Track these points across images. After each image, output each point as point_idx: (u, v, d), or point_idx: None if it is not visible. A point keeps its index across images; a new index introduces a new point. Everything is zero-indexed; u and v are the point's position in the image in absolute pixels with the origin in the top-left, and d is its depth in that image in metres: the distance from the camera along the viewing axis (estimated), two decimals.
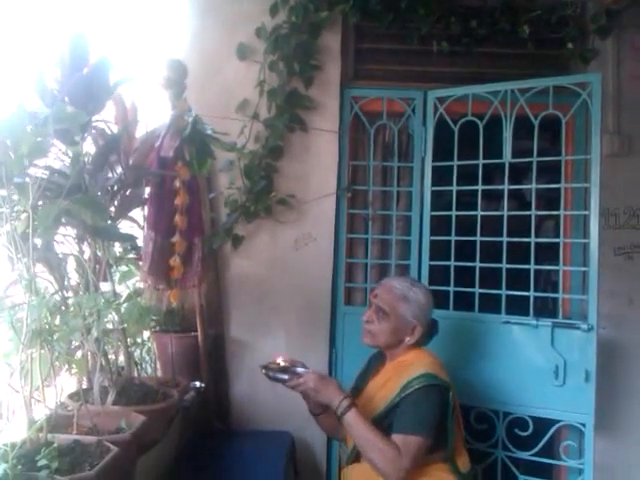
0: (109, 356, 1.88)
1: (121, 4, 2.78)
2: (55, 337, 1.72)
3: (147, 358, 2.45)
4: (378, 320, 2.04)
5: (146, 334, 2.44)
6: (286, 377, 1.99)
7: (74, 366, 1.83)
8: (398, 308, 2.03)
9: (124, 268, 2.38)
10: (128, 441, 1.52)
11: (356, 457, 2.04)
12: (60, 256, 1.89)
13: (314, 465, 2.77)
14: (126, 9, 2.76)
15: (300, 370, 2.06)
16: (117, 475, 1.42)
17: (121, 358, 2.08)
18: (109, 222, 2.05)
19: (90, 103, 1.83)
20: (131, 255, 2.15)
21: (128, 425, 1.63)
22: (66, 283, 1.90)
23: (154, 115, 2.26)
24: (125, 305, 1.98)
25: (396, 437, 1.83)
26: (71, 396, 1.84)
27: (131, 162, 2.13)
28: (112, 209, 2.08)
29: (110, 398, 1.79)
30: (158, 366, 2.60)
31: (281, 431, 2.55)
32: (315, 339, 2.79)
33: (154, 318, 2.53)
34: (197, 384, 2.49)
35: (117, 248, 2.18)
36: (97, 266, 1.96)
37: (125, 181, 2.04)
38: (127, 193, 2.11)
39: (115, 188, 1.99)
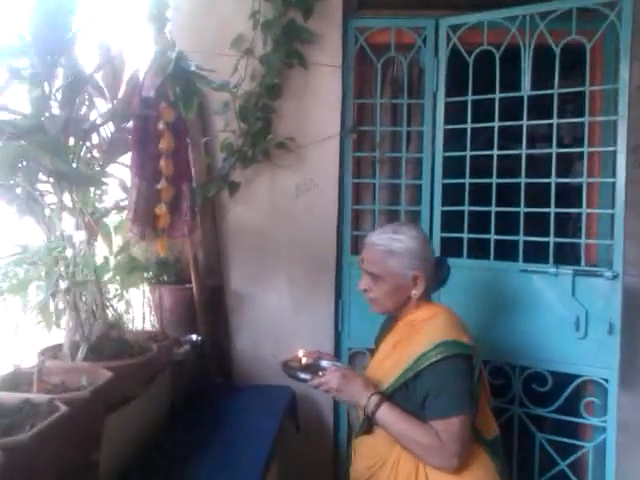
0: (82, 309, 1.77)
1: None
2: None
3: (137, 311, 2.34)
4: (375, 285, 1.83)
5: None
6: (307, 377, 1.84)
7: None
8: (388, 265, 1.80)
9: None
10: (87, 400, 1.40)
11: (367, 428, 1.87)
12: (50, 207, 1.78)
13: (320, 422, 2.64)
14: None
15: (324, 364, 1.94)
16: (67, 436, 1.30)
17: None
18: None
19: (52, 41, 1.68)
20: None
21: (92, 382, 1.52)
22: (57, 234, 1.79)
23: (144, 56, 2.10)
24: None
25: (435, 424, 1.65)
26: (44, 351, 1.75)
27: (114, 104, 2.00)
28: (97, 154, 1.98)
29: (80, 354, 1.68)
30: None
31: (282, 386, 2.43)
32: (320, 290, 2.63)
33: (146, 270, 2.42)
34: (193, 337, 2.38)
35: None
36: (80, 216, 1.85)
37: (99, 123, 1.90)
38: (109, 136, 2.00)
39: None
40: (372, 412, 1.71)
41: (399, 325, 1.89)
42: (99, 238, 2.15)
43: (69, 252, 1.76)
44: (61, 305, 1.72)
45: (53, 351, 1.74)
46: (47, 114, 1.66)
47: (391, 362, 1.82)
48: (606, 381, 2.30)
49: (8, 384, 1.52)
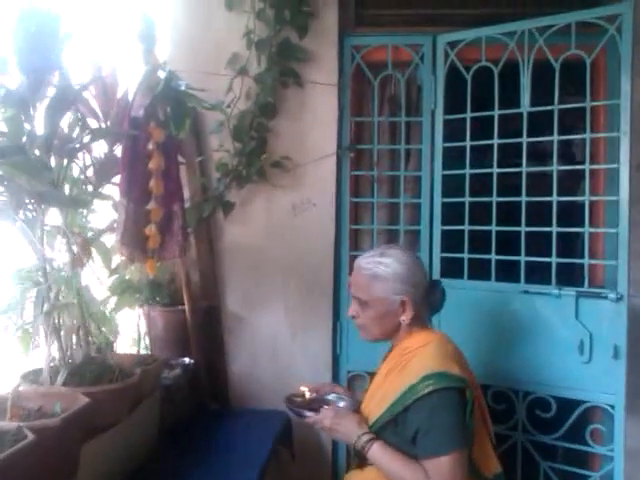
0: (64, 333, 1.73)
1: None
2: None
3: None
4: (363, 311, 1.77)
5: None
6: (305, 413, 1.80)
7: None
8: (373, 290, 1.73)
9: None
10: (57, 427, 1.35)
11: (359, 463, 1.78)
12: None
13: (318, 449, 2.57)
14: None
15: (331, 397, 1.93)
16: (36, 465, 1.26)
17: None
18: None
19: (35, 60, 1.67)
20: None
21: (68, 408, 1.47)
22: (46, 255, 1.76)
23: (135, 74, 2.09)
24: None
25: (425, 464, 1.57)
26: (25, 376, 1.71)
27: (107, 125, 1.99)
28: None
29: (60, 378, 1.64)
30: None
31: (276, 411, 2.36)
32: (317, 312, 2.57)
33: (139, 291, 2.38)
34: (185, 360, 2.32)
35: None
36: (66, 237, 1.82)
37: (86, 143, 1.88)
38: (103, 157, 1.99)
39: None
40: (362, 451, 1.66)
41: (393, 353, 1.82)
42: (97, 258, 2.16)
43: (52, 274, 1.74)
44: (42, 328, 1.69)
45: (35, 375, 1.71)
46: (26, 134, 1.64)
47: (382, 393, 1.75)
48: (612, 407, 2.20)
49: None
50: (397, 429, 1.66)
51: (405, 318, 1.73)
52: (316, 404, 1.86)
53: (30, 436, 1.26)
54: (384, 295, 1.72)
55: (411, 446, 1.62)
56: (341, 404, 1.90)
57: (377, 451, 1.64)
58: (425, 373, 1.61)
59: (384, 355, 1.92)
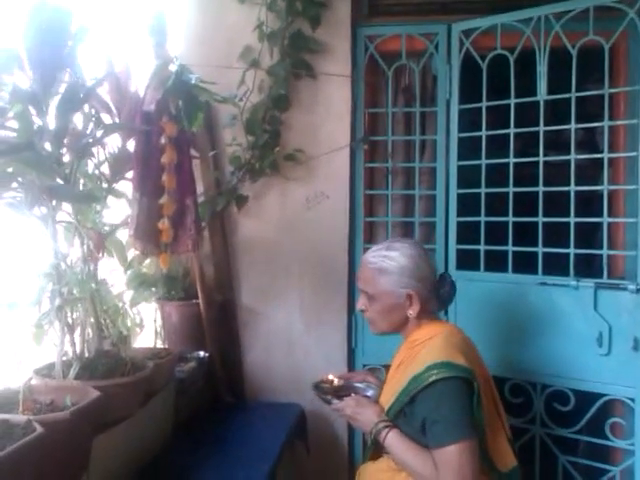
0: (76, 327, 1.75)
1: None
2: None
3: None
4: (370, 305, 1.77)
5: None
6: (330, 399, 1.82)
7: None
8: (379, 284, 1.73)
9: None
10: (67, 420, 1.36)
11: (373, 455, 1.79)
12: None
13: (333, 442, 2.56)
14: None
15: (358, 386, 1.94)
16: (45, 458, 1.27)
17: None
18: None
19: (47, 56, 1.67)
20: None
21: (79, 402, 1.48)
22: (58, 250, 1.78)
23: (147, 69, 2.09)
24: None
25: (433, 454, 1.56)
26: (38, 370, 1.73)
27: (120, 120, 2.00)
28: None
29: (72, 372, 1.66)
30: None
31: (291, 403, 2.36)
32: (333, 305, 2.56)
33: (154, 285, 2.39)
34: (200, 354, 2.33)
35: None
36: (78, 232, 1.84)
37: (99, 138, 1.89)
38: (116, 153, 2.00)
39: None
40: (379, 439, 1.67)
41: (404, 346, 1.81)
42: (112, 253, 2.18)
43: (64, 269, 1.75)
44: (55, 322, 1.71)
45: (48, 369, 1.72)
46: (37, 130, 1.65)
47: (392, 384, 1.76)
48: (632, 400, 2.15)
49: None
50: (407, 419, 1.65)
51: (412, 312, 1.73)
52: (344, 391, 1.87)
53: (39, 429, 1.27)
54: (390, 289, 1.72)
55: (421, 436, 1.61)
56: (369, 393, 1.90)
57: (393, 439, 1.65)
58: (430, 363, 1.61)
59: (397, 348, 1.90)
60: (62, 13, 1.67)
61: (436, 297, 1.79)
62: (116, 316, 1.98)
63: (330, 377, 1.97)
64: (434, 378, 1.57)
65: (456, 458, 1.51)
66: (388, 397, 1.74)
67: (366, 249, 2.55)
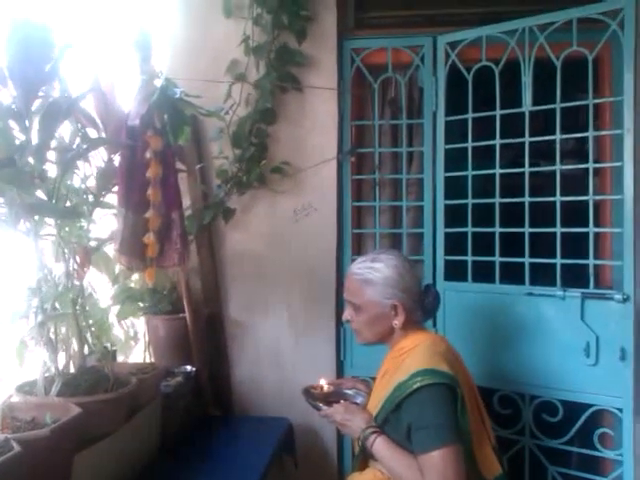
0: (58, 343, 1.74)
1: None
2: None
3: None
4: (356, 316, 1.80)
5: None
6: (319, 406, 1.85)
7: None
8: (365, 295, 1.76)
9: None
10: (46, 438, 1.35)
11: (360, 465, 1.81)
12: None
13: (322, 456, 2.54)
14: None
15: (348, 392, 1.96)
16: (24, 476, 1.26)
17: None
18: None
19: (29, 72, 1.67)
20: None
21: (59, 419, 1.47)
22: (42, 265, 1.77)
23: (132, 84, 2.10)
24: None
25: (419, 459, 1.58)
26: (20, 387, 1.71)
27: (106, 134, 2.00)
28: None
29: (54, 388, 1.65)
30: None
31: (278, 417, 2.35)
32: (321, 317, 2.56)
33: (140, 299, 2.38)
34: (187, 368, 2.32)
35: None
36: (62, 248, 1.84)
37: (83, 152, 1.89)
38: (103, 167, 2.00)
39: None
40: (363, 444, 1.69)
41: (390, 355, 1.83)
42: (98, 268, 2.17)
43: (47, 285, 1.75)
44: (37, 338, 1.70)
45: (30, 386, 1.71)
46: (18, 145, 1.65)
47: (378, 392, 1.78)
48: (620, 411, 2.15)
49: None
50: (392, 426, 1.68)
51: (397, 322, 1.76)
52: (333, 398, 1.90)
53: (16, 448, 1.26)
54: (375, 299, 1.75)
55: (407, 442, 1.63)
56: (358, 400, 1.92)
57: (380, 445, 1.66)
58: (414, 370, 1.64)
59: (384, 357, 1.91)
60: (44, 29, 1.67)
61: (421, 307, 1.81)
62: (101, 331, 1.97)
63: (321, 383, 1.98)
64: (418, 385, 1.60)
65: (440, 463, 1.53)
66: (374, 405, 1.76)
67: (354, 261, 2.57)
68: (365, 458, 1.79)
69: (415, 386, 1.60)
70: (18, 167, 1.60)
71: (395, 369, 1.73)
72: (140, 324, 2.44)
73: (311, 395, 1.92)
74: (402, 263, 1.77)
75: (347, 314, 1.84)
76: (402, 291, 1.74)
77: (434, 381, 1.60)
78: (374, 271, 1.75)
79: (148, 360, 2.44)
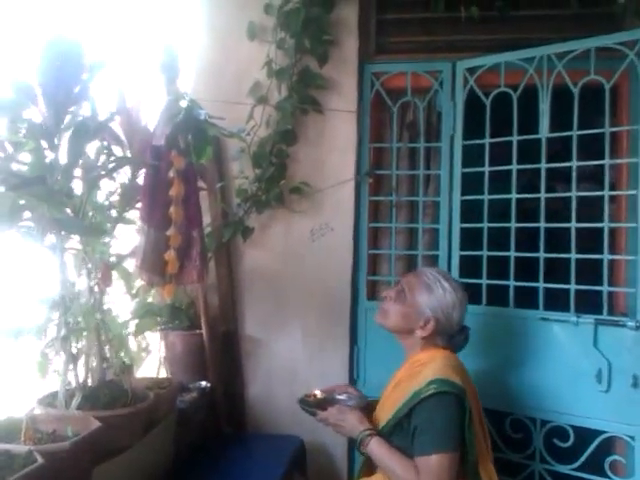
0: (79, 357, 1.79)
1: None
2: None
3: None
4: (395, 300, 1.92)
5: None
6: (315, 411, 1.94)
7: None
8: (417, 295, 1.88)
9: None
10: (67, 451, 1.40)
11: (367, 471, 1.91)
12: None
13: (333, 475, 2.57)
14: None
15: (340, 397, 2.02)
16: None
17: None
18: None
19: (60, 92, 1.73)
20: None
21: (80, 432, 1.51)
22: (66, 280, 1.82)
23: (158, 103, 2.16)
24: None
25: (417, 460, 1.70)
26: (41, 400, 1.76)
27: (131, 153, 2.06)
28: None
29: (75, 402, 1.69)
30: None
31: (291, 435, 2.38)
32: (335, 336, 2.59)
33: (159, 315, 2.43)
34: (202, 384, 2.36)
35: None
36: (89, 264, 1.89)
37: (109, 171, 1.95)
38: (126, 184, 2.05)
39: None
40: (360, 445, 1.79)
41: (405, 365, 1.93)
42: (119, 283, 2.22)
43: (70, 300, 1.80)
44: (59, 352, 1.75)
45: (51, 399, 1.76)
46: (49, 164, 1.71)
47: (391, 400, 1.85)
48: (632, 439, 2.15)
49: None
50: (402, 433, 1.77)
51: (420, 332, 1.87)
52: (327, 403, 1.96)
53: (39, 460, 1.31)
54: (421, 304, 1.87)
55: (412, 447, 1.72)
56: (351, 403, 1.98)
57: (375, 445, 1.76)
58: (430, 379, 1.74)
59: (395, 371, 2.00)
60: (77, 47, 1.72)
61: (448, 339, 1.91)
62: (120, 346, 2.02)
63: (314, 392, 2.06)
64: (432, 392, 1.71)
65: (438, 467, 1.64)
66: (387, 412, 1.84)
67: (369, 281, 2.62)
68: (371, 464, 1.88)
69: (429, 392, 1.70)
70: (48, 185, 1.67)
71: (410, 379, 1.81)
72: (152, 338, 2.48)
73: (306, 403, 1.99)
74: (462, 298, 1.88)
75: (390, 292, 1.95)
76: (445, 316, 1.85)
77: (447, 390, 1.70)
78: (440, 286, 1.87)
79: (161, 375, 2.49)
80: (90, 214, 1.93)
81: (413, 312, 1.87)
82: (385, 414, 1.84)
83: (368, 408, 1.98)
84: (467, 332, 1.95)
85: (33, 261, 1.86)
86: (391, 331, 1.95)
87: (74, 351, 1.76)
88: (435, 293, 1.86)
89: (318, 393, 2.05)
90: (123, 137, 2.02)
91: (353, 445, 2.36)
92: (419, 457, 1.68)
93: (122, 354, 2.00)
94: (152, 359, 2.47)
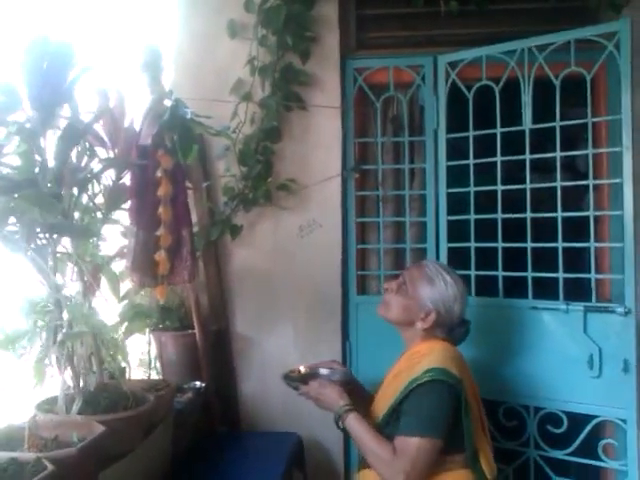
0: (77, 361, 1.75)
1: None
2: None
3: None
4: (397, 292, 1.93)
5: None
6: (298, 385, 1.95)
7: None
8: (419, 287, 1.89)
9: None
10: (75, 457, 1.37)
11: (366, 462, 1.88)
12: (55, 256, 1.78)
13: (330, 470, 2.57)
14: None
15: (322, 372, 2.04)
16: None
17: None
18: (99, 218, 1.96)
19: (46, 93, 1.70)
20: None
21: (84, 437, 1.49)
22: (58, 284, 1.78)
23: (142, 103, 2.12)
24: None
25: (396, 439, 1.72)
26: (39, 405, 1.72)
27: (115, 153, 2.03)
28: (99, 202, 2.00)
29: (75, 407, 1.66)
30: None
31: (288, 432, 2.37)
32: (326, 332, 2.59)
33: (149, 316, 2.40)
34: (197, 384, 2.34)
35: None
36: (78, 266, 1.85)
37: (97, 172, 1.91)
38: (111, 185, 2.01)
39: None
40: (339, 419, 1.81)
41: (405, 356, 1.94)
42: (106, 285, 2.18)
43: (64, 303, 1.76)
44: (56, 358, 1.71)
45: (49, 404, 1.72)
46: (38, 167, 1.67)
47: (391, 390, 1.86)
48: (624, 422, 2.20)
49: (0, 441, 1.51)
50: (395, 419, 1.78)
51: (420, 325, 1.88)
52: (311, 378, 1.98)
53: (49, 467, 1.28)
54: (423, 297, 1.88)
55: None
56: (335, 377, 2.00)
57: (353, 421, 1.79)
58: (427, 367, 1.76)
59: (397, 358, 2.00)
60: (63, 48, 1.69)
61: (448, 331, 1.92)
62: (115, 349, 1.98)
63: (299, 367, 2.08)
64: (427, 379, 1.73)
65: (415, 450, 1.66)
66: (385, 401, 1.85)
67: (359, 276, 2.63)
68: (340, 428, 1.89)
69: (424, 379, 1.73)
70: (39, 188, 1.63)
71: (410, 369, 1.82)
72: (137, 340, 2.45)
73: (290, 378, 2.01)
74: (463, 292, 1.91)
75: (393, 284, 1.96)
76: (445, 309, 1.87)
77: (442, 378, 1.72)
78: (442, 279, 1.88)
79: (152, 376, 2.46)
80: (78, 216, 1.90)
81: (414, 304, 1.89)
82: (384, 404, 1.85)
83: (353, 383, 2.06)
84: (468, 325, 1.97)
85: (18, 266, 1.82)
86: (392, 323, 1.96)
87: (71, 356, 1.73)
88: (437, 286, 1.88)
89: (302, 369, 2.07)
90: (105, 137, 1.99)
91: (349, 439, 2.39)
92: (400, 436, 1.71)
93: (119, 357, 1.97)
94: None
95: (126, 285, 2.26)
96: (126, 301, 2.35)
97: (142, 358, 2.50)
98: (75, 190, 1.82)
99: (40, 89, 1.68)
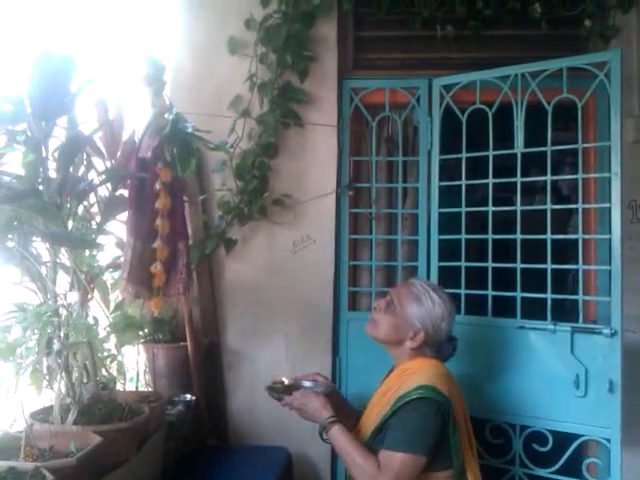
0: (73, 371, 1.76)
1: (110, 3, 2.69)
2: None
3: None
4: (385, 311, 1.94)
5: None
6: (282, 396, 1.97)
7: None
8: (407, 306, 1.90)
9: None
10: (73, 467, 1.38)
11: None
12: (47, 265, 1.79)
13: None
14: (115, 7, 2.68)
15: (305, 384, 2.07)
16: None
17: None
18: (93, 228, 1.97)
19: (50, 105, 1.71)
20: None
21: (81, 447, 1.50)
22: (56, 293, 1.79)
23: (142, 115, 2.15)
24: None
25: (381, 454, 1.73)
26: (34, 414, 1.73)
27: (112, 164, 2.05)
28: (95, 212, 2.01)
29: (71, 417, 1.67)
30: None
31: (277, 447, 2.39)
32: (317, 347, 2.61)
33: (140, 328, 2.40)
34: (187, 397, 2.35)
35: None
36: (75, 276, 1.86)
37: (97, 184, 1.93)
38: (108, 196, 2.03)
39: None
40: (322, 431, 1.82)
41: (392, 376, 1.96)
42: (96, 296, 2.19)
43: (62, 313, 1.77)
44: (52, 367, 1.72)
45: (44, 414, 1.72)
46: (41, 177, 1.69)
47: (380, 406, 1.87)
48: (608, 441, 2.24)
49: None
50: (378, 437, 1.79)
51: (409, 344, 1.89)
52: (294, 390, 1.99)
53: (49, 476, 1.29)
54: (410, 316, 1.89)
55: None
56: (318, 389, 2.02)
57: (336, 432, 1.80)
58: (417, 384, 1.77)
59: (384, 376, 2.04)
60: (67, 61, 1.71)
61: (436, 350, 1.94)
62: (110, 359, 2.00)
63: (282, 379, 2.11)
64: (416, 396, 1.74)
65: (399, 465, 1.69)
66: (374, 417, 1.87)
67: (350, 292, 2.66)
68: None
69: (414, 396, 1.74)
70: (42, 198, 1.65)
71: (399, 385, 1.84)
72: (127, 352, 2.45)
73: (274, 389, 2.03)
74: (451, 310, 1.92)
75: (381, 303, 1.97)
76: (433, 328, 1.88)
77: (431, 396, 1.73)
78: (429, 298, 1.89)
79: (141, 388, 2.46)
80: (75, 227, 1.91)
81: (402, 323, 1.90)
82: (373, 419, 1.87)
83: (336, 396, 2.08)
84: (455, 342, 1.99)
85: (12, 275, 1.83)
86: (380, 342, 1.97)
87: (68, 366, 1.74)
88: (424, 305, 1.89)
89: (285, 380, 2.09)
90: (103, 148, 2.01)
91: (336, 455, 2.40)
92: (385, 451, 1.72)
93: (112, 369, 1.97)
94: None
95: (117, 296, 2.28)
96: (118, 312, 2.36)
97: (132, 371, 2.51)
98: (74, 201, 1.84)
99: (45, 101, 1.70)
